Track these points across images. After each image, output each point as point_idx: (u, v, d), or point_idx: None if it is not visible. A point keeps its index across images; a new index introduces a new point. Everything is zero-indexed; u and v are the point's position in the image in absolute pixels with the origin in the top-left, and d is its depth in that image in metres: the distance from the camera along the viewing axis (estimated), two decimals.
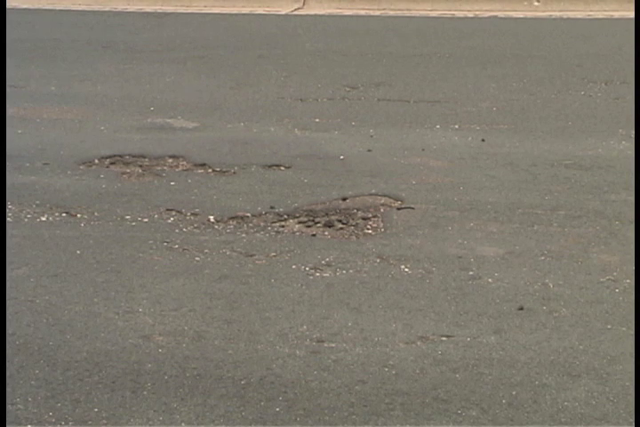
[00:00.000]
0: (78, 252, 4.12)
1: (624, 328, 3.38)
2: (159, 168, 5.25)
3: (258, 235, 4.30)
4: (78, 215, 4.55)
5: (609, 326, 3.41)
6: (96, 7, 11.66)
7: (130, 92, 7.17)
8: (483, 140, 5.77)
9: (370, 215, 4.52)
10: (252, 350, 3.25)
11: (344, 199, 4.69)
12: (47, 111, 6.52)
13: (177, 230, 4.36)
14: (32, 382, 3.07)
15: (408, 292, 3.70)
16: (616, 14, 10.40)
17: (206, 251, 4.11)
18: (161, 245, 4.18)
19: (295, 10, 11.26)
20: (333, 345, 3.28)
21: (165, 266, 3.96)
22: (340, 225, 4.40)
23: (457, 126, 6.13)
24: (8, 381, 3.02)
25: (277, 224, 4.44)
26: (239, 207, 4.63)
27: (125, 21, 10.64)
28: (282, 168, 5.26)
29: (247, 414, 2.89)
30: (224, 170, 5.19)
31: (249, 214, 4.54)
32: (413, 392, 2.99)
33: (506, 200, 4.71)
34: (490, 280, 3.80)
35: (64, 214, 4.56)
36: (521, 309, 3.53)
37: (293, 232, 4.35)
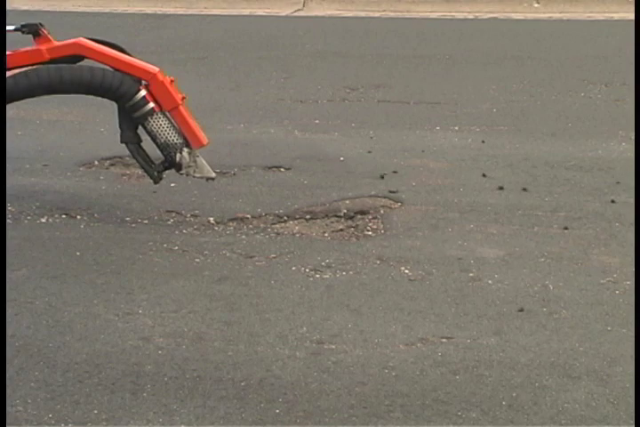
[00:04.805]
0: (78, 253, 4.11)
1: (624, 330, 3.38)
2: None
3: (258, 236, 4.30)
4: (78, 217, 4.55)
5: (609, 328, 3.40)
6: (96, 9, 11.67)
7: None
8: (483, 142, 5.77)
9: (370, 217, 4.52)
10: (252, 352, 3.25)
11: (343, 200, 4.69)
12: (47, 113, 6.52)
13: (177, 232, 4.36)
14: (32, 384, 3.06)
15: (408, 293, 3.69)
16: (616, 16, 10.40)
17: (206, 252, 4.11)
18: (161, 246, 4.18)
19: (295, 11, 11.26)
20: (333, 347, 3.28)
21: (165, 267, 3.96)
22: (340, 226, 4.40)
23: (457, 128, 6.13)
24: (8, 382, 3.01)
25: (277, 226, 4.44)
26: (239, 209, 4.63)
27: (125, 23, 10.63)
28: (282, 170, 5.26)
29: (247, 416, 2.89)
30: (224, 171, 5.18)
31: (249, 216, 4.54)
32: (413, 394, 2.99)
33: (506, 202, 4.71)
34: (490, 282, 3.79)
35: (64, 216, 4.56)
36: (521, 310, 3.53)
37: (293, 234, 4.34)
